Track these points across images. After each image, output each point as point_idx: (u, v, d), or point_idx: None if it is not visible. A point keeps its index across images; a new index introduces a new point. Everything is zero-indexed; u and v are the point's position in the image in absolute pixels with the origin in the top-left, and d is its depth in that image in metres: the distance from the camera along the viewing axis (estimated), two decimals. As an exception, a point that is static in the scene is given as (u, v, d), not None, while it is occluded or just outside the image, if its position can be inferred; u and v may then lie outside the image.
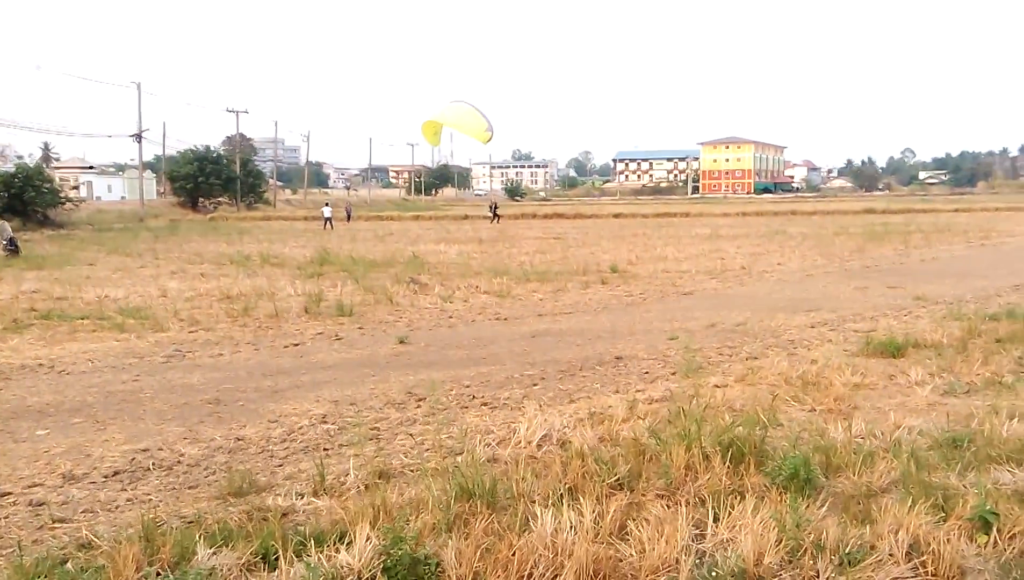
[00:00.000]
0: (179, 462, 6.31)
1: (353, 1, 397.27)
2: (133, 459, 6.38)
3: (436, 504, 4.94)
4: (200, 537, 4.50)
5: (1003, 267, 20.66)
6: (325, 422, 7.37)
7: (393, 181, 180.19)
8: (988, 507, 4.61)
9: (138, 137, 62.27)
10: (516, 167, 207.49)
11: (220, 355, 10.68)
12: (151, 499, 5.50)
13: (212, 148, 73.95)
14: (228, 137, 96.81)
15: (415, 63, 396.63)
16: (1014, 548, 4.36)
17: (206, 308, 14.55)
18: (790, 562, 4.26)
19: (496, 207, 57.30)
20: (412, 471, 5.89)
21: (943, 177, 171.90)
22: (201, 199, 69.37)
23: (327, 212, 48.56)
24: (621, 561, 4.35)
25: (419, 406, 7.86)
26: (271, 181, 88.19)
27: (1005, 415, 6.39)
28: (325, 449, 6.56)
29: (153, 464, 6.26)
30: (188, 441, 6.85)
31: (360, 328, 12.67)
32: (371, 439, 6.77)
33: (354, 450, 6.30)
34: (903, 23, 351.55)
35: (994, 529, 4.47)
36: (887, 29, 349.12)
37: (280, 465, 6.21)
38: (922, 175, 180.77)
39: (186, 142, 77.45)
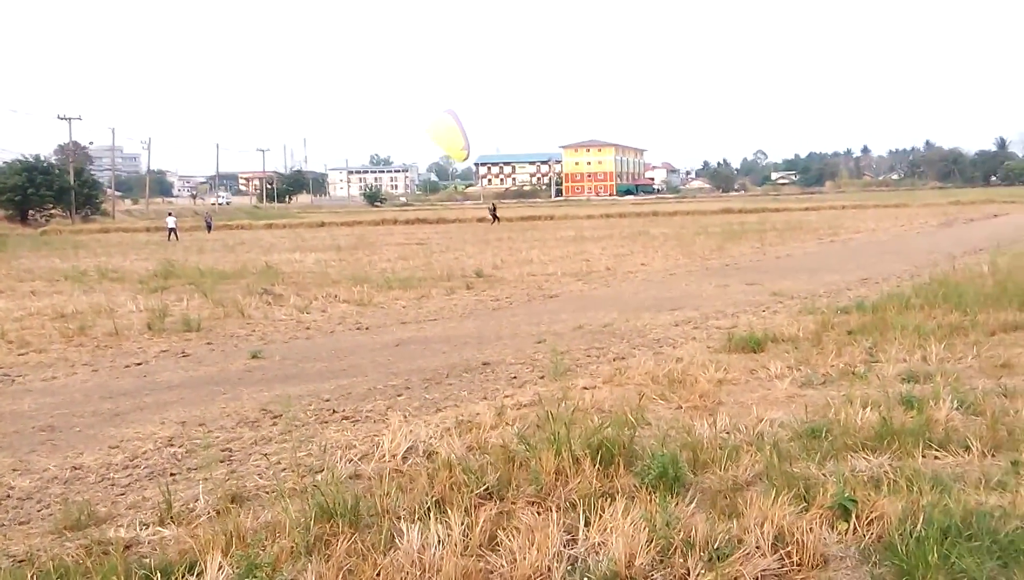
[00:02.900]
0: (8, 496, 5.83)
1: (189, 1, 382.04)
2: (-45, 496, 5.79)
3: (294, 526, 4.68)
4: (33, 577, 4.21)
5: (851, 262, 21.79)
6: (171, 445, 6.92)
7: (243, 188, 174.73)
8: (847, 494, 4.73)
9: (-43, 148, 57.57)
10: (375, 172, 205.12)
11: (54, 378, 9.89)
12: (-24, 538, 5.00)
13: (43, 157, 69.71)
14: (61, 146, 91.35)
15: (265, 64, 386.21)
16: (872, 533, 4.47)
17: (37, 328, 13.43)
18: (661, 561, 4.25)
19: (495, 209, 57.62)
20: (268, 493, 5.56)
21: (794, 177, 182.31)
22: (31, 212, 65.06)
23: (171, 222, 46.61)
24: (492, 573, 4.25)
25: (275, 423, 7.46)
26: (109, 191, 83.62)
27: (859, 404, 6.60)
28: (172, 474, 6.15)
29: (-23, 500, 5.69)
30: (18, 472, 6.32)
31: (209, 343, 12.02)
32: (222, 461, 6.37)
33: (204, 474, 5.91)
34: (750, 31, 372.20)
35: (853, 516, 4.58)
36: (737, 37, 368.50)
37: (122, 494, 5.78)
38: (774, 176, 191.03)
39: (13, 152, 72.39)
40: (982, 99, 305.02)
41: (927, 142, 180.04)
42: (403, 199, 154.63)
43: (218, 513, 5.12)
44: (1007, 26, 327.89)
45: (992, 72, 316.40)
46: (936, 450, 5.69)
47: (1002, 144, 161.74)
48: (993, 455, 5.61)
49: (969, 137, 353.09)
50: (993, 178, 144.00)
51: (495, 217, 54.67)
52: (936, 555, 4.04)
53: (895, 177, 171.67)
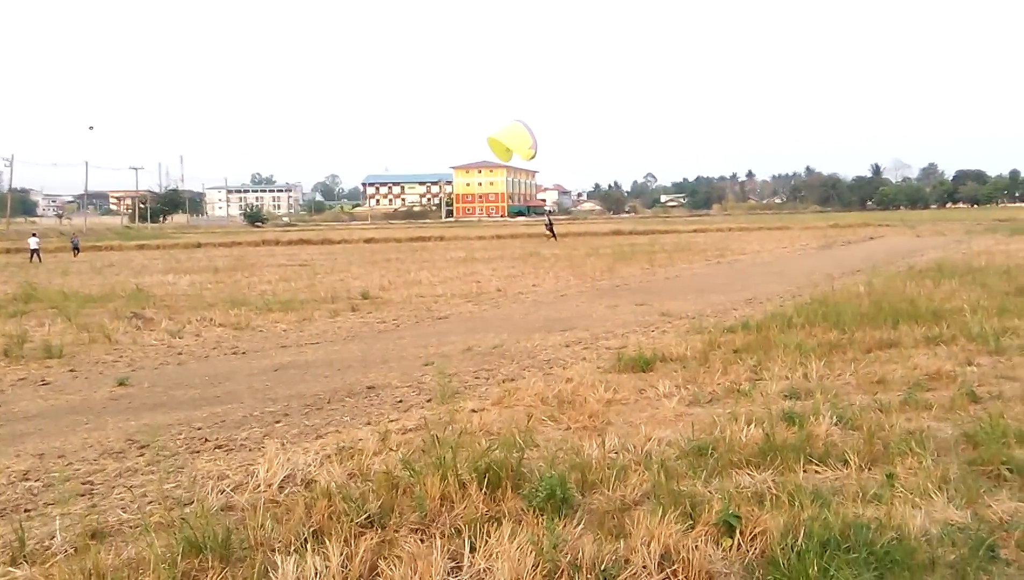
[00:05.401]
0: None
1: (58, 10, 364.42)
2: None
3: (159, 562, 4.40)
4: None
5: (737, 283, 22.36)
6: (27, 479, 6.44)
7: (114, 208, 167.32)
8: (732, 511, 4.76)
9: None
10: (256, 191, 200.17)
11: None
12: None
13: None
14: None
15: (139, 78, 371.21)
16: (756, 548, 4.51)
17: None
18: (548, 585, 4.14)
19: (552, 224, 56.02)
20: (132, 528, 5.20)
21: (682, 200, 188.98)
22: None
23: (33, 243, 43.83)
24: (372, 606, 4.03)
25: (141, 454, 7.01)
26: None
27: (744, 421, 6.72)
28: (26, 510, 5.72)
29: None
30: None
31: (72, 371, 11.29)
32: (83, 495, 5.95)
33: (61, 509, 5.52)
34: (638, 57, 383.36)
35: (737, 532, 4.61)
36: (626, 62, 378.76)
37: (-32, 533, 5.28)
38: (663, 198, 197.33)
39: None
40: (859, 128, 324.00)
41: (808, 168, 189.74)
42: (286, 219, 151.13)
43: (76, 551, 4.79)
44: (882, 60, 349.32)
45: (868, 102, 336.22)
46: (816, 465, 5.81)
47: (877, 170, 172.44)
48: (870, 469, 5.78)
49: (847, 163, 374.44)
50: (869, 202, 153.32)
51: (552, 233, 53.62)
52: (816, 568, 4.12)
53: (778, 201, 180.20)
